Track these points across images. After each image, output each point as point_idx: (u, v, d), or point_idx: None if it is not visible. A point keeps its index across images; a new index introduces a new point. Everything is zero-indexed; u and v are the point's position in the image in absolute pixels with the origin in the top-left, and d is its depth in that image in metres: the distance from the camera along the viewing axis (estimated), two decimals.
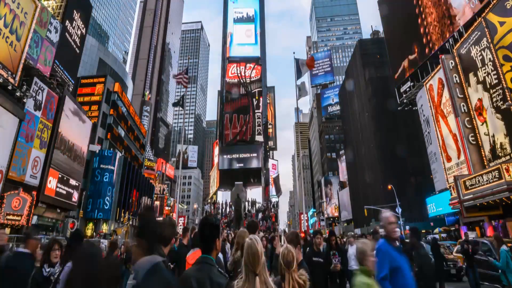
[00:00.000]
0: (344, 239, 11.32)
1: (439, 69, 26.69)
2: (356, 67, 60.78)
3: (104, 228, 38.88)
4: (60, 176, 29.04)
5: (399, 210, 34.15)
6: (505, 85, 19.34)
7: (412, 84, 34.06)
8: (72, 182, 31.68)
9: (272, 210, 32.51)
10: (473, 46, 22.74)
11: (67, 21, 35.65)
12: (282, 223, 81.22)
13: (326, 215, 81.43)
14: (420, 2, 33.88)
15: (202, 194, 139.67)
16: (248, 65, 50.90)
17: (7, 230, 22.49)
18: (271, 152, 61.75)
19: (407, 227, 36.24)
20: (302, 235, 9.58)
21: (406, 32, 36.72)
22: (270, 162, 55.63)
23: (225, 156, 44.47)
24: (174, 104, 23.59)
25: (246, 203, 31.91)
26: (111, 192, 40.13)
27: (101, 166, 39.76)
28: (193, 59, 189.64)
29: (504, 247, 7.50)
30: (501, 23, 19.91)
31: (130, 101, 66.34)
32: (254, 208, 31.88)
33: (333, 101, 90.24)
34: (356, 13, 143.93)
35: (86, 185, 37.53)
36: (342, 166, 75.22)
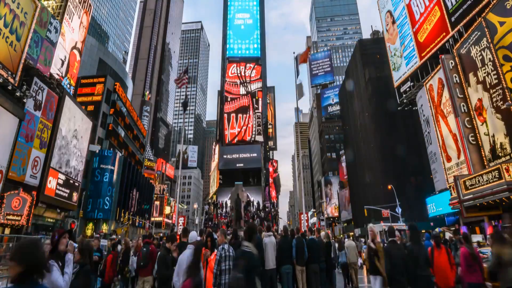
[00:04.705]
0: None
1: (439, 69, 26.66)
2: (356, 67, 60.72)
3: (104, 228, 38.91)
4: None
5: (399, 210, 34.14)
6: (505, 85, 19.31)
7: (412, 84, 34.01)
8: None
9: (272, 210, 32.52)
10: (473, 46, 22.71)
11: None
12: (282, 223, 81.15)
13: (326, 215, 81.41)
14: None
15: (202, 194, 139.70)
16: (248, 65, 50.93)
17: (7, 230, 22.50)
18: (271, 152, 61.75)
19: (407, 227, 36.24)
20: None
21: None
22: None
23: (225, 156, 44.39)
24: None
25: (246, 203, 31.86)
26: (111, 192, 40.16)
27: (101, 166, 39.80)
28: (193, 59, 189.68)
29: None
30: (501, 23, 19.88)
31: (130, 101, 66.35)
32: (252, 207, 31.85)
33: (333, 101, 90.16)
34: (356, 13, 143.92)
35: (86, 185, 37.54)
36: (342, 166, 75.21)
